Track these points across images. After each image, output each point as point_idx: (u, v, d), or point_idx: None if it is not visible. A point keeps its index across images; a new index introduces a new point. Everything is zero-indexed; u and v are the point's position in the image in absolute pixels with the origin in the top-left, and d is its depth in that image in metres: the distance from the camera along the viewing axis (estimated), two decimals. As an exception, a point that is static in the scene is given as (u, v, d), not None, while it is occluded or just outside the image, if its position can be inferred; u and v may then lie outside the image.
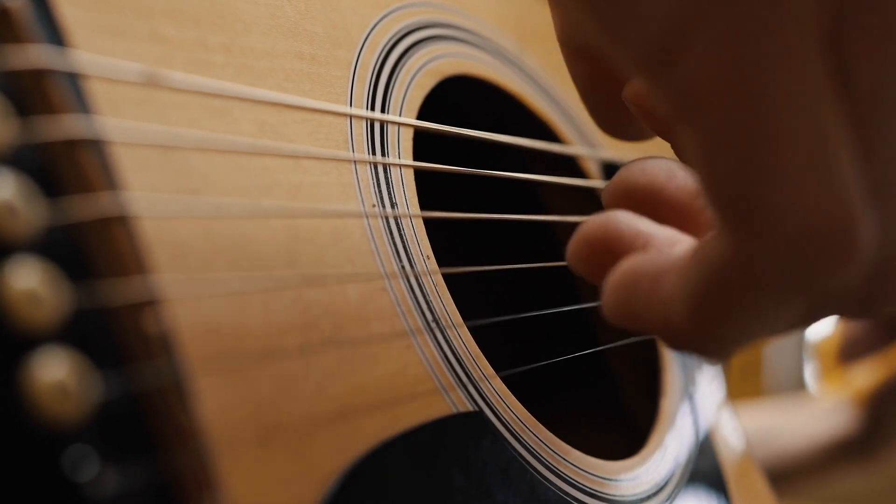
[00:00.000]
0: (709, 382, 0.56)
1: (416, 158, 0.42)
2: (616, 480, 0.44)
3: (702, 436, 0.52)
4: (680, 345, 0.30)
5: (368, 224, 0.38)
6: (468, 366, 0.39)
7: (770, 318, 0.27)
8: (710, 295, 0.26)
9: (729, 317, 0.27)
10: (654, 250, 0.31)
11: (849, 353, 0.83)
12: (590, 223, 0.33)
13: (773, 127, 0.23)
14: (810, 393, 0.87)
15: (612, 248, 0.32)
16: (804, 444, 0.77)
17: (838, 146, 0.24)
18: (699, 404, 0.54)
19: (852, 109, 0.24)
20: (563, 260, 0.47)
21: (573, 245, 0.34)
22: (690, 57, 0.23)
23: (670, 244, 0.31)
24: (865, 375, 0.80)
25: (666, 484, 0.47)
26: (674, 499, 0.47)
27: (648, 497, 0.45)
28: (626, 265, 0.30)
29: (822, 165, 0.24)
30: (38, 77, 0.28)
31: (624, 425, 0.53)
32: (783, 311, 0.26)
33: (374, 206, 0.39)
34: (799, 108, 0.23)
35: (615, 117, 0.37)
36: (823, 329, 0.87)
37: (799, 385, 1.01)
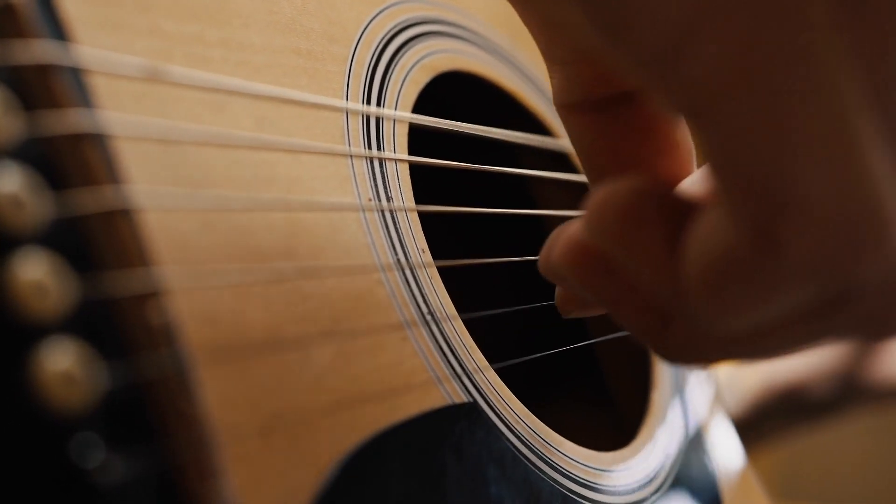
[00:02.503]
0: (699, 378, 0.57)
1: (410, 154, 0.43)
2: (608, 471, 0.45)
3: (692, 429, 0.53)
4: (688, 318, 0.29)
5: (365, 217, 0.38)
6: (462, 357, 0.40)
7: (787, 313, 0.26)
8: (724, 281, 0.26)
9: (746, 304, 0.26)
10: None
11: None
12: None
13: (795, 113, 0.23)
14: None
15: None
16: None
17: (863, 127, 0.23)
18: (690, 398, 0.54)
19: (872, 89, 0.24)
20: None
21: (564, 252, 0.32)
22: (702, 50, 0.23)
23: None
24: (756, 370, 0.80)
25: (657, 475, 0.48)
26: (665, 489, 0.47)
27: (640, 487, 0.46)
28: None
29: (849, 148, 0.23)
30: (43, 72, 0.28)
31: (615, 417, 0.54)
32: (801, 302, 0.26)
33: (370, 199, 0.39)
34: (820, 90, 0.23)
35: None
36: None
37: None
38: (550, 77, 0.34)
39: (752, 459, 0.58)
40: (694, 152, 0.33)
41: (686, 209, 0.28)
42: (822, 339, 0.29)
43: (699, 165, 0.33)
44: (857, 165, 0.23)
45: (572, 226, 0.32)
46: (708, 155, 0.25)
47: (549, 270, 0.34)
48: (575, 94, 0.33)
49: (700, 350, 0.31)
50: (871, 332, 0.29)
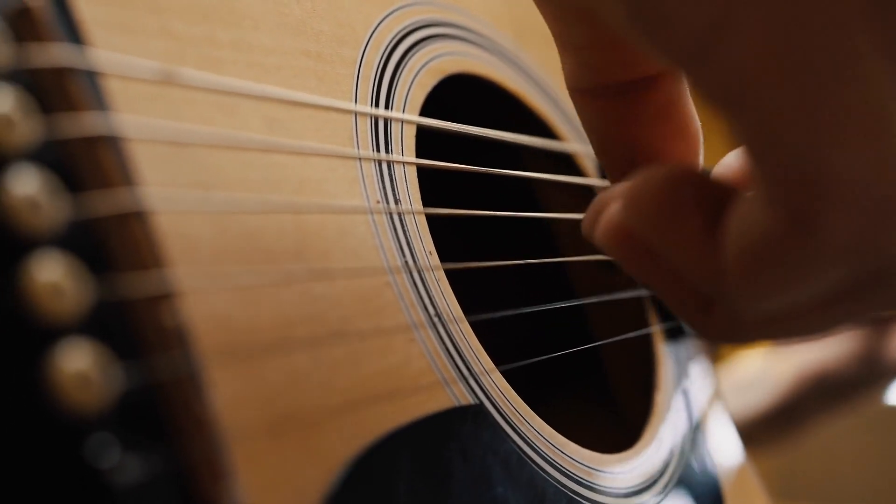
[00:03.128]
0: (701, 378, 0.57)
1: (418, 156, 0.43)
2: (612, 473, 0.45)
3: (695, 430, 0.53)
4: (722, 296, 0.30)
5: (373, 220, 0.39)
6: (469, 359, 0.40)
7: (822, 293, 0.27)
8: (762, 263, 0.26)
9: (784, 285, 0.27)
10: None
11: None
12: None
13: (831, 96, 0.23)
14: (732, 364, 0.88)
15: None
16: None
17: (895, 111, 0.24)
18: (692, 398, 0.55)
19: None
20: (560, 256, 0.48)
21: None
22: (737, 37, 0.23)
23: None
24: (786, 359, 0.82)
25: (660, 477, 0.48)
26: (668, 492, 0.48)
27: (644, 489, 0.46)
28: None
29: (885, 129, 0.24)
30: (60, 75, 0.28)
31: (619, 419, 0.54)
32: (837, 283, 0.26)
33: (378, 202, 0.39)
34: (855, 73, 0.23)
35: (628, 165, 0.35)
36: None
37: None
38: (563, 62, 0.34)
39: (753, 459, 0.59)
40: (702, 137, 0.34)
41: (721, 194, 0.29)
42: (856, 317, 0.30)
43: (725, 151, 0.33)
44: (893, 147, 0.24)
45: (613, 204, 0.32)
46: (744, 141, 0.25)
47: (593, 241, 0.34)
48: (588, 80, 0.34)
49: (740, 331, 0.32)
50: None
